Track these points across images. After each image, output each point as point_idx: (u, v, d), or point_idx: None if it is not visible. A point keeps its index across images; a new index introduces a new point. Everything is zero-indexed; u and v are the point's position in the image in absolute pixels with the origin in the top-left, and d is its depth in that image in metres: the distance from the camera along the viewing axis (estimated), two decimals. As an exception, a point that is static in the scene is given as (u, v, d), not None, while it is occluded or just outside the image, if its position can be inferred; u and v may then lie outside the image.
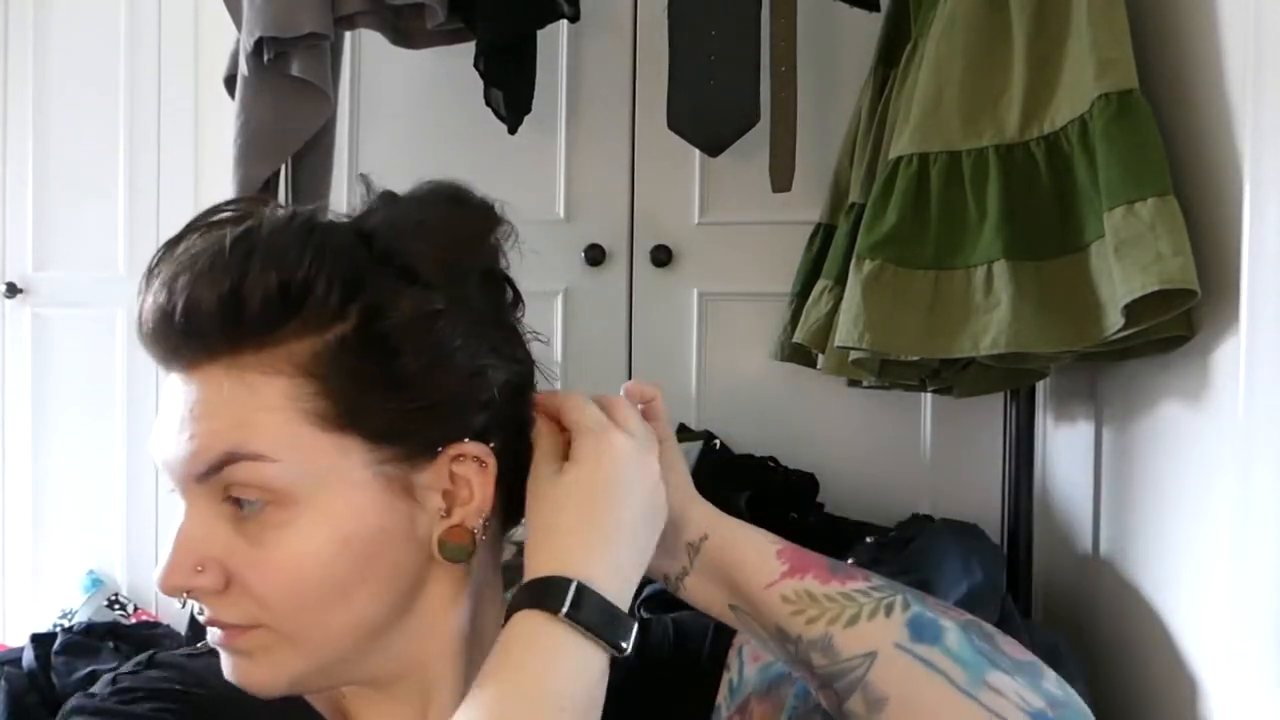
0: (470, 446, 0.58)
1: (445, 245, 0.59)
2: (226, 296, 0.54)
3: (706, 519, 0.63)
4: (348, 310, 0.55)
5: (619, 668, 0.56)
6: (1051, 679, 0.58)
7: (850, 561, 1.40)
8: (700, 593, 0.62)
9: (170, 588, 0.56)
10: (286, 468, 0.54)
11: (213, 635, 0.58)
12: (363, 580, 0.56)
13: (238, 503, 0.55)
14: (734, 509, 1.58)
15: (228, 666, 0.58)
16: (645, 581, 0.60)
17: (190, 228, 0.58)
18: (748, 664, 0.66)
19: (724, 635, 0.68)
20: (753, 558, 0.60)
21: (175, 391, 0.57)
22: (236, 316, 0.54)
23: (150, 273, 0.56)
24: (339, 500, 0.56)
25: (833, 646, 0.57)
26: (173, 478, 0.57)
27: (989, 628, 0.60)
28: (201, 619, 0.58)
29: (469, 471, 0.59)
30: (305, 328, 0.55)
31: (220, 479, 0.55)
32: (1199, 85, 1.13)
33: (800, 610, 0.58)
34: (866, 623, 0.57)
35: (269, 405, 0.55)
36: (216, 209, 0.59)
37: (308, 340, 0.55)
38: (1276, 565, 0.95)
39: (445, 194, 0.62)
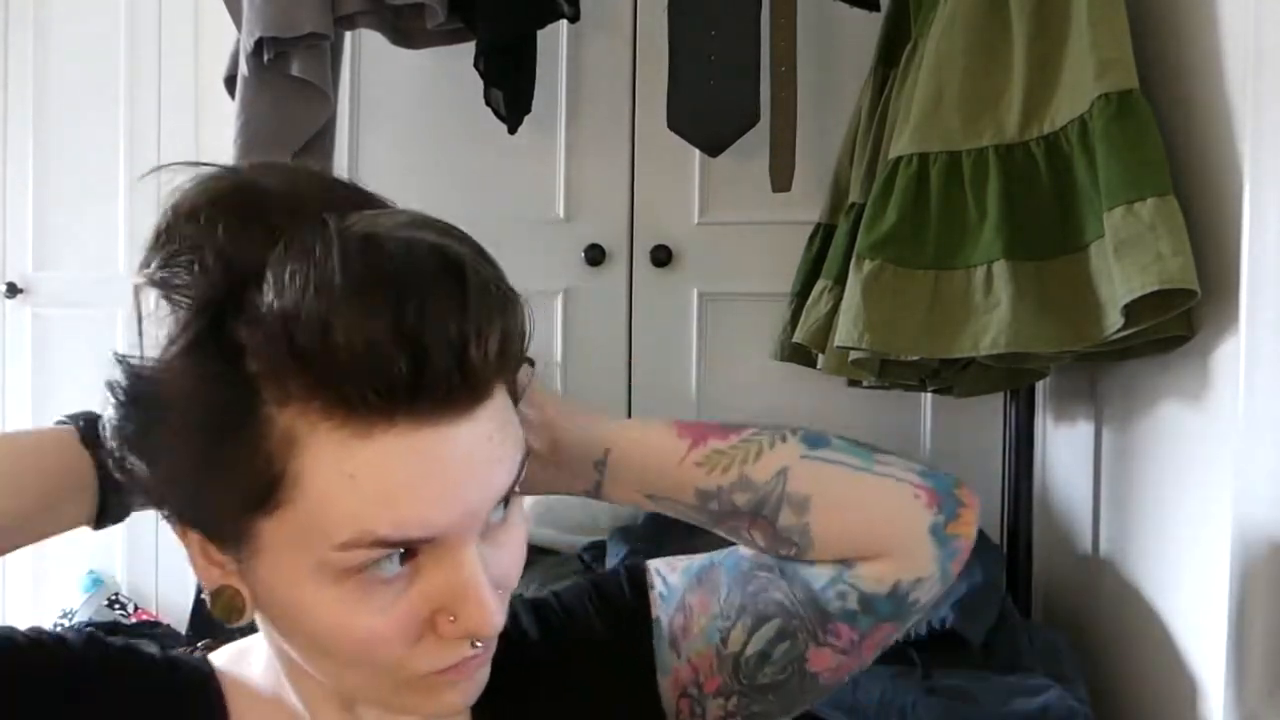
0: None
1: None
2: (522, 329, 0.52)
3: (605, 435, 0.66)
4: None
5: (538, 650, 0.64)
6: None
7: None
8: (616, 495, 0.67)
9: (497, 626, 0.54)
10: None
11: (467, 665, 0.56)
12: None
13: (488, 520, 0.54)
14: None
15: (464, 689, 0.57)
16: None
17: (303, 238, 0.48)
18: (668, 575, 0.70)
19: (635, 569, 0.71)
20: (657, 448, 0.65)
21: (447, 442, 0.50)
22: (509, 356, 0.52)
23: (347, 308, 0.46)
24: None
25: (750, 480, 0.64)
26: (464, 527, 0.52)
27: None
28: (480, 648, 0.55)
29: None
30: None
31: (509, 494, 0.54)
32: (1199, 85, 1.13)
33: (713, 466, 0.64)
34: (769, 452, 0.65)
35: (512, 409, 0.55)
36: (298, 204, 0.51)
37: None
38: (1276, 565, 0.95)
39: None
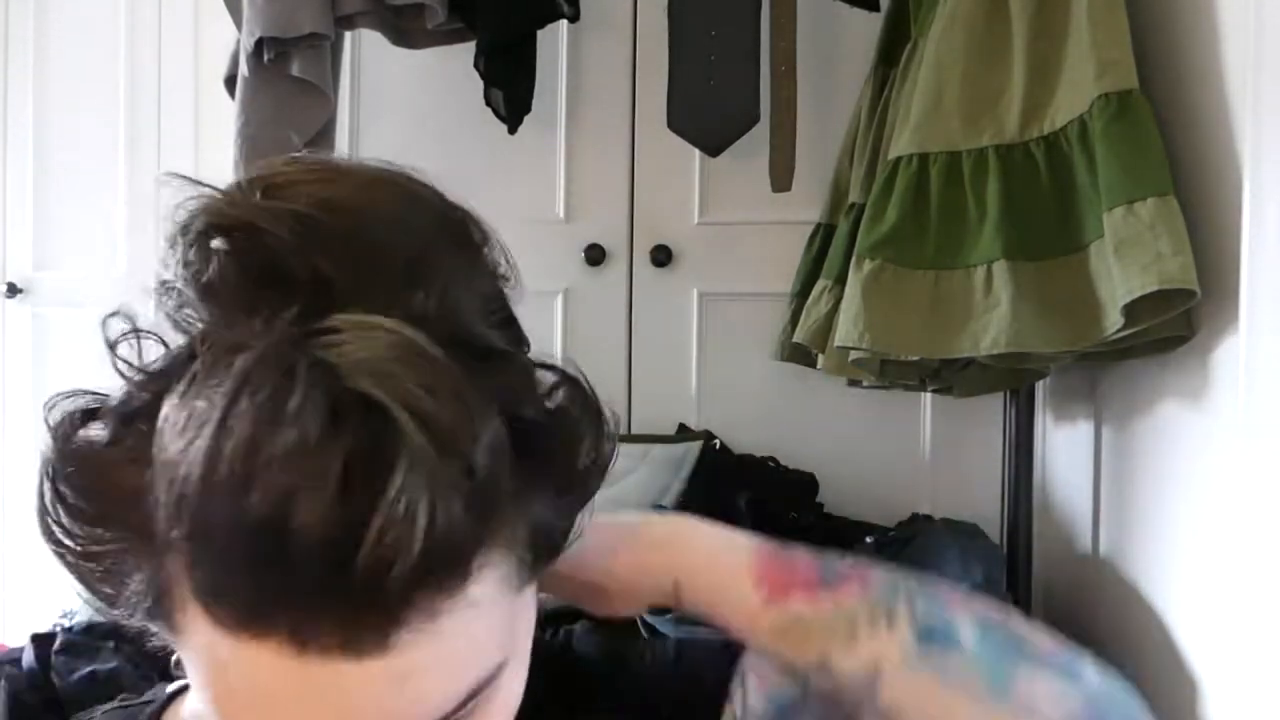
0: None
1: (490, 293, 0.48)
2: (429, 552, 0.36)
3: (667, 566, 0.53)
4: (506, 460, 0.41)
5: (614, 685, 0.51)
6: (1090, 668, 0.51)
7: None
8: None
9: None
10: (508, 658, 0.43)
11: None
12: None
13: None
14: (734, 509, 1.59)
15: None
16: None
17: (230, 393, 0.37)
18: (752, 693, 0.57)
19: (730, 654, 0.59)
20: (732, 600, 0.51)
21: (338, 678, 0.38)
22: (448, 566, 0.38)
23: (243, 494, 0.35)
24: (528, 643, 0.46)
25: (832, 671, 0.49)
26: None
27: (1013, 617, 0.53)
28: None
29: None
30: (500, 513, 0.40)
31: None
32: (1199, 85, 1.13)
33: (789, 633, 0.50)
34: (866, 641, 0.49)
35: (491, 610, 0.41)
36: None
37: (501, 520, 0.41)
38: (1276, 565, 0.95)
39: (421, 218, 0.49)
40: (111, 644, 1.73)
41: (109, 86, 2.23)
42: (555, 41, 1.93)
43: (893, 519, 1.68)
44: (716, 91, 1.59)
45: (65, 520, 0.42)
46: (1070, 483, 1.61)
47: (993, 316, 1.19)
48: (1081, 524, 1.54)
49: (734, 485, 1.60)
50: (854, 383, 1.69)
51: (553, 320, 1.95)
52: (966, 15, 1.29)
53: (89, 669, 1.59)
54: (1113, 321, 1.10)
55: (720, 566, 0.52)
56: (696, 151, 1.75)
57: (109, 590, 0.43)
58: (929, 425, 1.85)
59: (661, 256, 1.92)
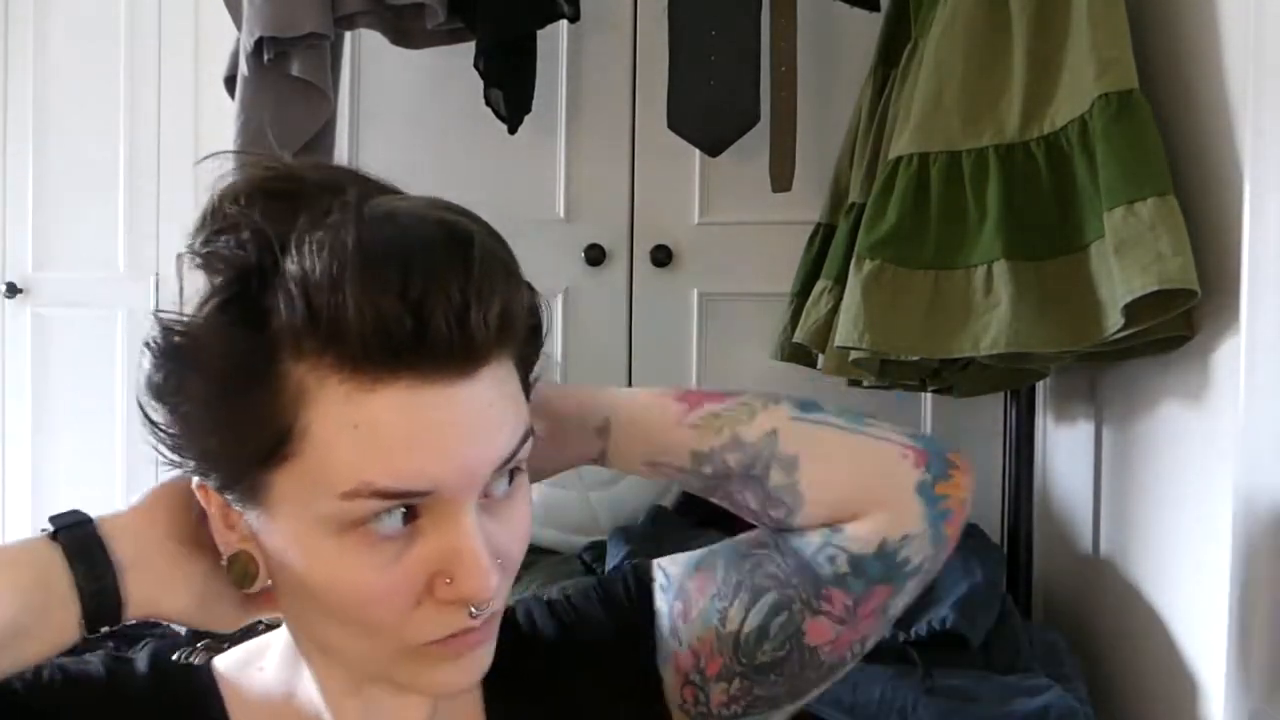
0: None
1: None
2: (524, 301, 0.56)
3: (603, 404, 0.68)
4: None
5: (549, 654, 0.67)
6: None
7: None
8: (620, 463, 0.69)
9: (492, 592, 0.55)
10: (531, 436, 0.58)
11: (454, 646, 0.57)
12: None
13: (490, 489, 0.56)
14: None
15: (465, 667, 0.58)
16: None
17: (322, 216, 0.52)
18: (669, 567, 0.71)
19: (640, 567, 0.72)
20: (656, 415, 0.67)
21: (447, 401, 0.52)
22: (510, 328, 0.55)
23: (359, 273, 0.50)
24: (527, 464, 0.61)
25: (741, 440, 0.66)
26: (461, 488, 0.54)
27: None
28: (477, 618, 0.56)
29: None
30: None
31: (509, 465, 0.56)
32: (1199, 85, 1.13)
33: (706, 427, 0.67)
34: (762, 413, 0.67)
35: (518, 380, 0.58)
36: (332, 183, 0.55)
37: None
38: (1276, 565, 0.95)
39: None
40: (111, 643, 1.73)
41: (109, 86, 2.23)
42: (555, 41, 1.93)
43: (893, 519, 1.68)
44: (716, 91, 1.59)
45: (194, 391, 0.53)
46: (1070, 483, 1.61)
47: (993, 316, 1.19)
48: (1081, 524, 1.54)
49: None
50: (854, 383, 1.68)
51: (553, 320, 1.94)
52: (966, 15, 1.29)
53: (89, 669, 1.59)
54: (1113, 321, 1.10)
55: (644, 395, 0.69)
56: (696, 151, 1.75)
57: (214, 450, 0.55)
58: (929, 425, 1.85)
59: (661, 256, 1.92)
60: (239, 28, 1.61)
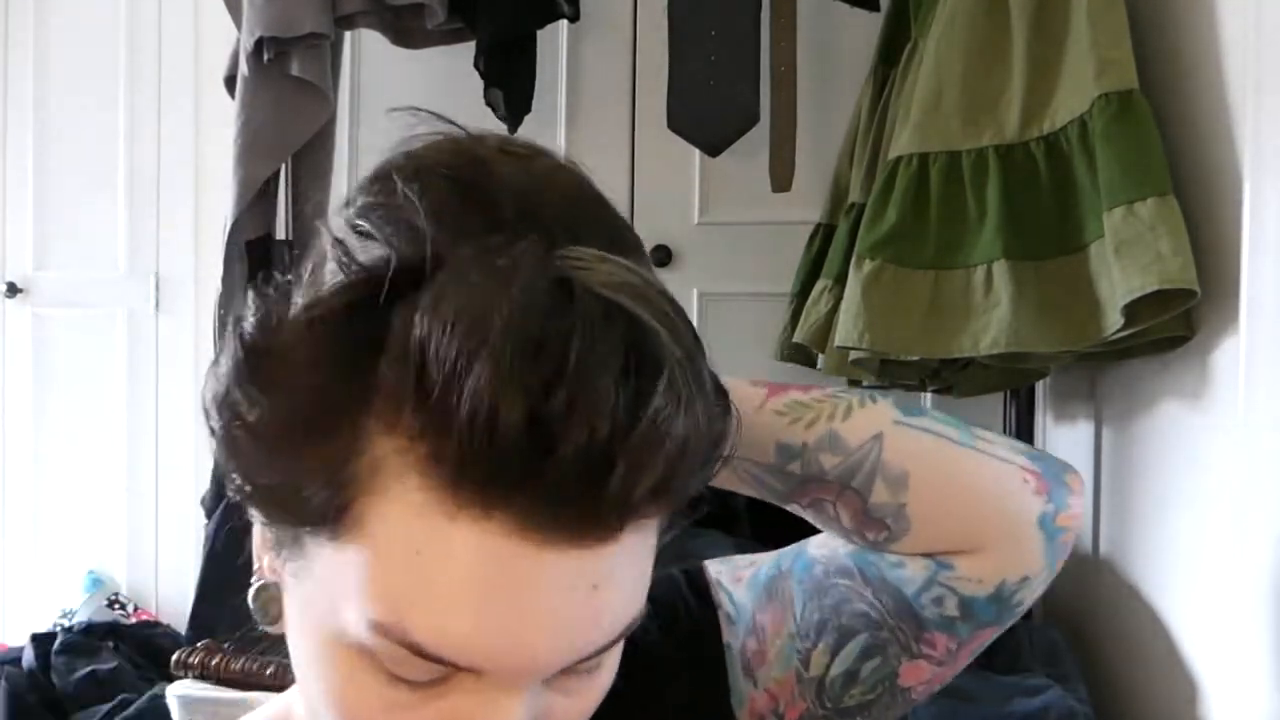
0: None
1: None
2: (696, 475, 0.41)
3: None
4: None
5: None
6: None
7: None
8: None
9: None
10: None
11: None
12: None
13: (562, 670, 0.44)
14: (734, 509, 1.59)
15: None
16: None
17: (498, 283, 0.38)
18: (733, 589, 0.61)
19: (695, 577, 0.62)
20: (735, 394, 0.52)
21: (541, 568, 0.39)
22: (663, 499, 0.41)
23: (493, 363, 0.37)
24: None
25: (840, 439, 0.54)
26: (521, 674, 0.42)
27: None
28: None
29: None
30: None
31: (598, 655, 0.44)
32: (1199, 85, 1.13)
33: (797, 418, 0.55)
34: (860, 411, 0.55)
35: (649, 556, 0.44)
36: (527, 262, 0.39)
37: None
38: (1276, 565, 0.95)
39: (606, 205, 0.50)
40: (111, 644, 1.74)
41: (109, 86, 2.23)
42: (555, 41, 1.93)
43: (893, 519, 1.68)
44: (716, 91, 1.59)
45: (259, 411, 0.42)
46: (1070, 483, 1.60)
47: (993, 316, 1.19)
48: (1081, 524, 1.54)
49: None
50: (854, 383, 1.68)
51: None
52: (966, 15, 1.29)
53: (89, 669, 1.59)
54: (1113, 321, 1.10)
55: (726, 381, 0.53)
56: (696, 151, 1.75)
57: (280, 475, 0.42)
58: (929, 425, 1.85)
59: (661, 256, 1.92)
60: (239, 28, 1.61)
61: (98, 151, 2.24)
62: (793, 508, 0.58)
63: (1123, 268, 1.07)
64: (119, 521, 2.21)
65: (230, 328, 0.43)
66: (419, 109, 0.47)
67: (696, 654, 0.59)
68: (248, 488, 0.44)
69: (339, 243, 0.42)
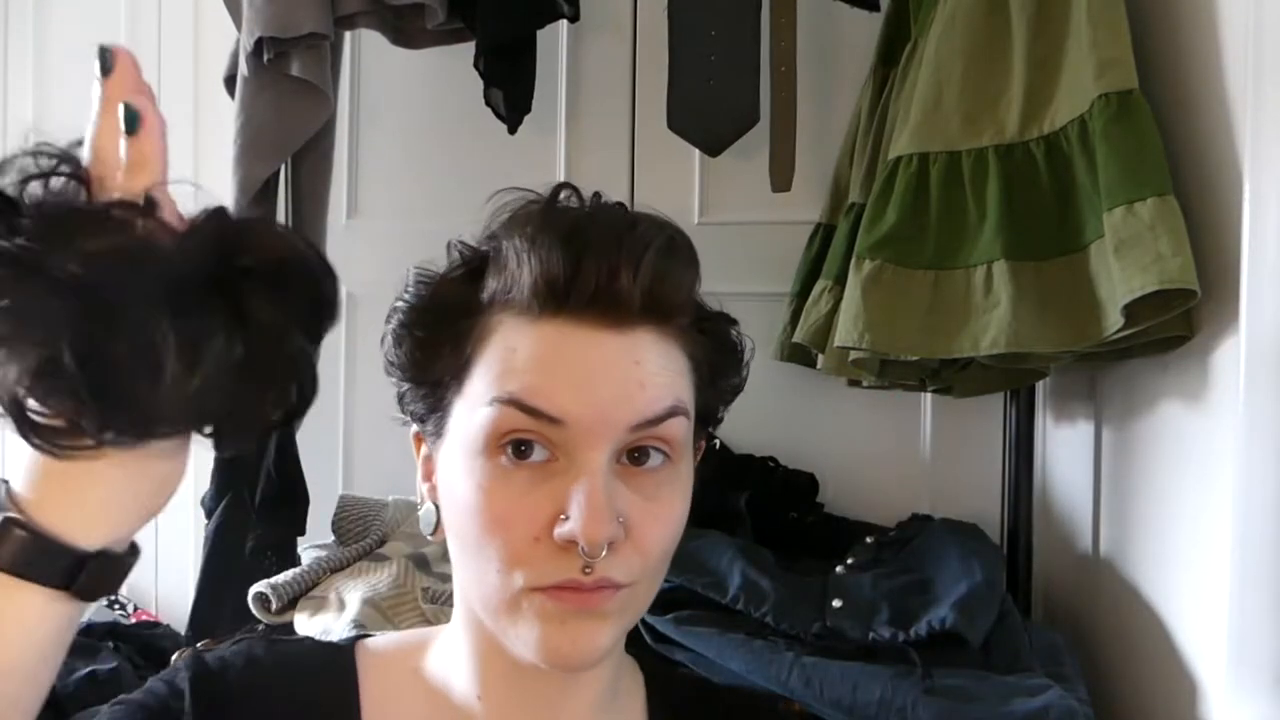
0: None
1: None
2: (678, 281, 0.65)
3: None
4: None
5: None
6: None
7: (850, 561, 1.40)
8: None
9: (603, 538, 0.58)
10: (689, 428, 0.64)
11: (561, 601, 0.60)
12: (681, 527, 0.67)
13: (634, 460, 0.63)
14: (734, 509, 1.58)
15: (570, 634, 0.61)
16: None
17: (554, 201, 0.67)
18: None
19: None
20: None
21: (593, 344, 0.61)
22: (676, 298, 0.64)
23: (540, 236, 0.63)
24: (689, 465, 0.67)
25: None
26: (594, 429, 0.60)
27: None
28: (589, 576, 0.60)
29: None
30: (687, 317, 0.67)
31: (652, 432, 0.62)
32: (1199, 85, 1.13)
33: None
34: None
35: (682, 370, 0.65)
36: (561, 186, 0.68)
37: (684, 325, 0.67)
38: (1276, 565, 0.95)
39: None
40: (111, 644, 1.74)
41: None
42: (555, 41, 1.93)
43: (893, 519, 1.68)
44: (716, 92, 1.59)
45: (419, 329, 0.67)
46: (1070, 483, 1.61)
47: (992, 317, 1.19)
48: (1081, 524, 1.54)
49: (734, 485, 1.60)
50: (854, 383, 1.68)
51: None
52: (966, 15, 1.29)
53: (89, 669, 1.59)
54: (1113, 322, 1.10)
55: None
56: (696, 151, 1.75)
57: (425, 367, 0.67)
58: (929, 425, 1.85)
59: (661, 256, 1.92)
60: (239, 28, 1.61)
61: (98, 151, 2.24)
62: None
63: (1123, 268, 1.07)
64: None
65: (401, 295, 0.69)
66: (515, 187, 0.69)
67: None
68: (416, 390, 0.68)
69: (460, 252, 0.69)
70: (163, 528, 2.15)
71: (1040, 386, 1.64)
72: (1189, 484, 1.15)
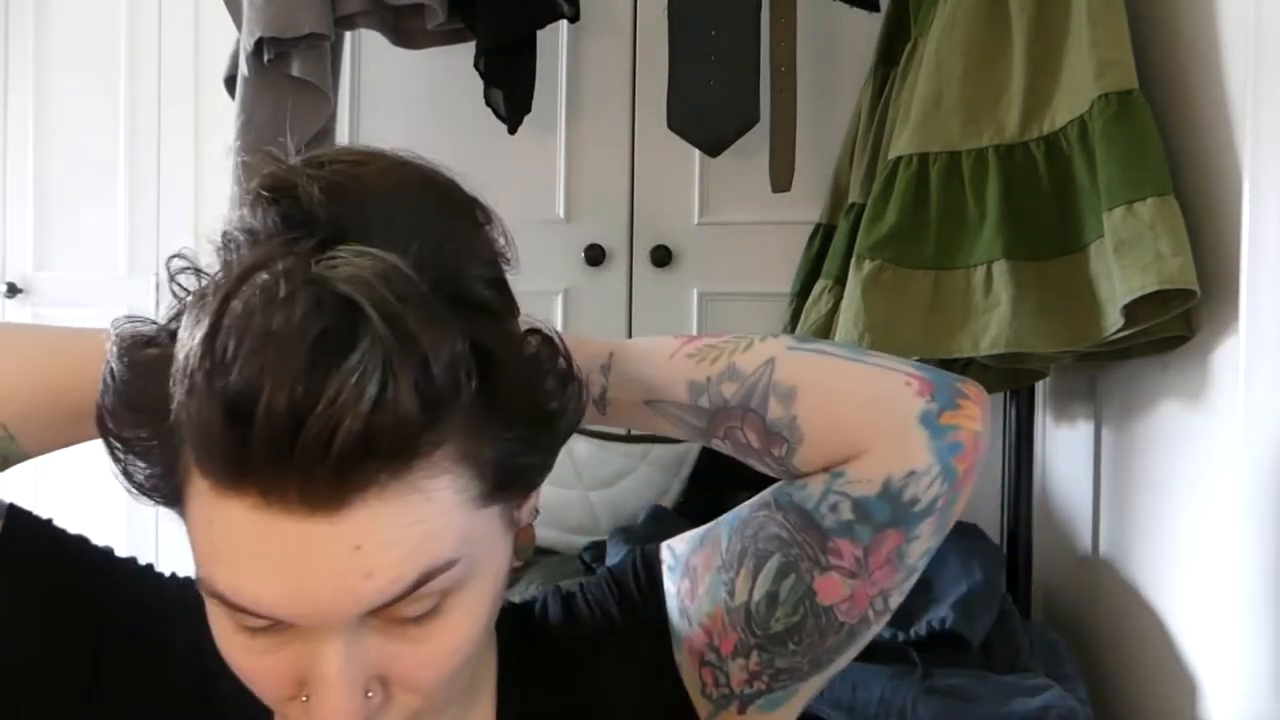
0: None
1: (485, 259, 0.54)
2: (374, 422, 0.44)
3: (607, 344, 0.66)
4: (469, 378, 0.48)
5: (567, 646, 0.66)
6: None
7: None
8: (621, 402, 0.64)
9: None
10: (465, 562, 0.50)
11: None
12: (491, 622, 0.57)
13: (391, 609, 0.50)
14: (733, 508, 1.58)
15: None
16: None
17: (233, 293, 0.46)
18: (676, 546, 0.69)
19: (648, 552, 0.70)
20: (655, 348, 0.65)
21: (294, 535, 0.46)
22: (413, 429, 0.45)
23: (200, 368, 0.44)
24: (492, 567, 0.54)
25: (736, 369, 0.62)
26: (313, 621, 0.48)
27: None
28: None
29: None
30: (451, 415, 0.48)
31: (399, 607, 0.49)
32: (1199, 85, 1.13)
33: (703, 358, 0.63)
34: (759, 344, 0.64)
35: (445, 508, 0.49)
36: (254, 266, 0.47)
37: (454, 426, 0.48)
38: (1276, 565, 0.95)
39: (431, 194, 0.56)
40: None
41: (109, 86, 2.23)
42: (555, 41, 1.93)
43: (893, 519, 1.68)
44: (716, 92, 1.59)
45: (118, 415, 0.51)
46: (1070, 483, 1.61)
47: (992, 316, 1.19)
48: (1081, 524, 1.54)
49: (734, 485, 1.59)
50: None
51: (553, 320, 1.94)
52: (966, 15, 1.29)
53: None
54: (1112, 321, 1.10)
55: (645, 340, 0.67)
56: (696, 151, 1.75)
57: (142, 477, 0.52)
58: (929, 425, 1.85)
59: (661, 256, 1.92)
60: (239, 28, 1.61)
61: (98, 152, 2.24)
62: (715, 444, 0.64)
63: (1122, 268, 1.07)
64: (119, 521, 2.21)
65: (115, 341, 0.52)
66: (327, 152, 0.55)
67: (640, 608, 0.67)
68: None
69: (185, 272, 0.53)
70: (163, 527, 2.15)
71: (1040, 386, 1.64)
72: (1189, 484, 1.15)
